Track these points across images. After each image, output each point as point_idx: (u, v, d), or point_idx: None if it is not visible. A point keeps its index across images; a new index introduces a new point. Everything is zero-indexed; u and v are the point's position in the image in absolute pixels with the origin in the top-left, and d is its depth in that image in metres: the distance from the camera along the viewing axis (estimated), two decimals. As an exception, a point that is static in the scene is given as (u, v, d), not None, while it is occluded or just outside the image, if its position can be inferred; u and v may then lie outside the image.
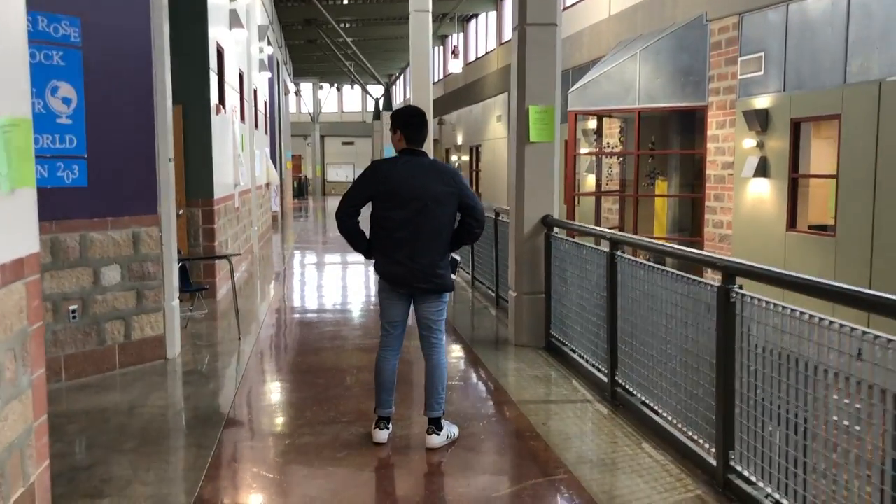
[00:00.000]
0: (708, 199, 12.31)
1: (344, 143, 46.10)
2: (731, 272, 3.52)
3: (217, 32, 9.31)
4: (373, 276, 12.01)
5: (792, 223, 10.48)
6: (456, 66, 21.70)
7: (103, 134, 5.49)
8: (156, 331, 5.99)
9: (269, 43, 17.68)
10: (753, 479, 3.41)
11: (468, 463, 4.03)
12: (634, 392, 4.69)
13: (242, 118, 12.04)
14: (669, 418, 4.20)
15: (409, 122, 4.19)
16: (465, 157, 27.29)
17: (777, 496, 3.31)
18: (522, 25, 6.21)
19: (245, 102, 12.46)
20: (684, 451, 3.98)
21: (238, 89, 11.58)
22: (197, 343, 6.62)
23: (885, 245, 8.77)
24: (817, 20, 9.86)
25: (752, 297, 3.37)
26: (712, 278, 4.01)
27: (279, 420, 4.69)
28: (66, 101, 5.40)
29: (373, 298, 9.79)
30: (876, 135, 8.87)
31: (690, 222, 13.57)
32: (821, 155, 10.56)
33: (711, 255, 3.69)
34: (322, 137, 43.87)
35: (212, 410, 4.92)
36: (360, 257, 14.09)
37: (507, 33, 23.01)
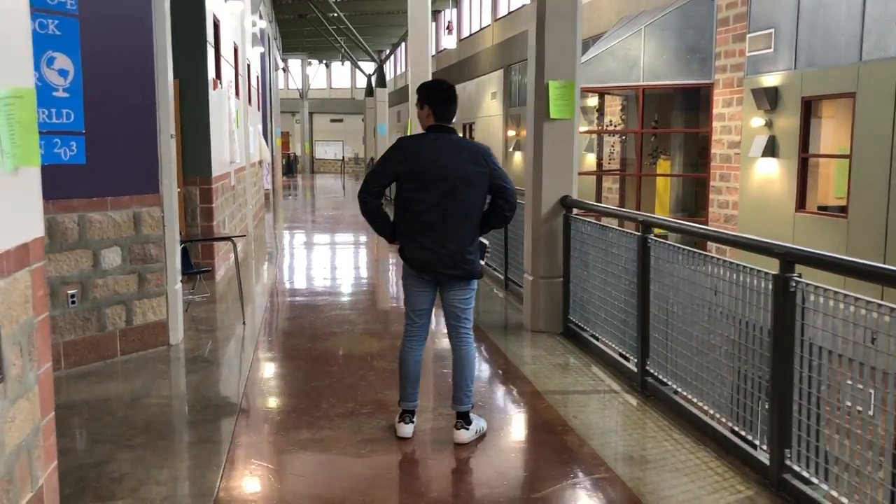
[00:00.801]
0: (713, 178, 12.10)
1: (333, 121, 45.54)
2: (790, 259, 3.29)
3: (213, 4, 8.94)
4: (375, 257, 11.79)
5: (801, 204, 10.30)
6: (450, 42, 21.29)
7: (102, 108, 5.17)
8: (158, 316, 5.72)
9: (260, 17, 17.24)
10: (815, 480, 3.20)
11: (501, 460, 3.81)
12: (667, 382, 4.48)
13: (237, 94, 11.68)
14: (711, 412, 3.99)
15: (438, 96, 3.92)
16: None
17: (836, 494, 3.11)
18: (542, -4, 5.92)
19: (239, 77, 12.09)
20: (729, 447, 3.77)
21: (233, 64, 11.21)
22: (200, 328, 6.35)
23: (899, 227, 8.60)
24: (832, -5, 9.60)
25: (815, 287, 3.14)
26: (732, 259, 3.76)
27: (295, 412, 4.44)
28: (63, 73, 5.07)
29: (377, 281, 9.54)
30: (893, 114, 8.66)
31: (694, 202, 13.37)
32: (831, 135, 10.36)
33: (767, 241, 3.46)
34: (311, 114, 43.32)
35: (222, 401, 4.67)
36: (356, 237, 13.86)
37: (502, 9, 22.62)
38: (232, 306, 7.25)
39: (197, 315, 6.75)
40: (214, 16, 9.04)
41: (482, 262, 4.01)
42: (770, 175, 10.74)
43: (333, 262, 11.08)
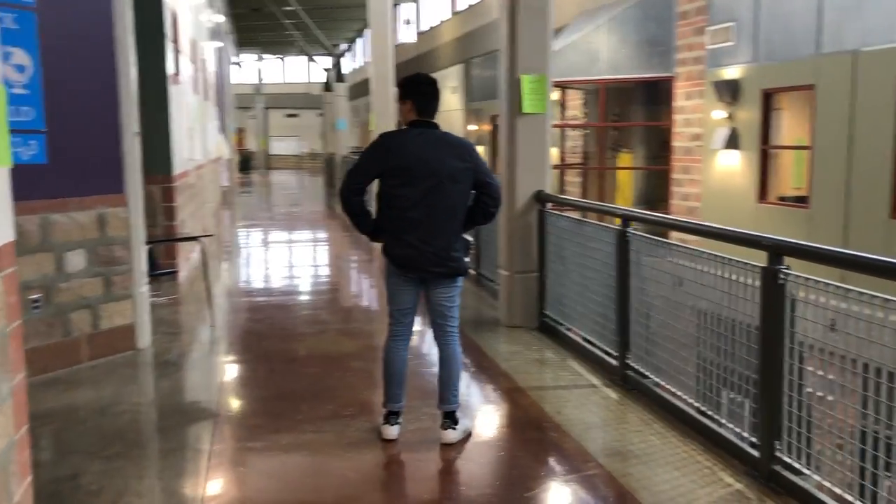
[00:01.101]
0: (675, 171, 12.21)
1: (288, 116, 45.05)
2: (779, 252, 3.29)
3: (171, -3, 8.72)
4: (336, 254, 11.66)
5: (763, 195, 10.44)
6: (409, 36, 21.16)
7: (62, 105, 4.97)
8: (125, 319, 5.54)
9: (215, 11, 16.94)
10: (806, 471, 3.21)
11: (490, 458, 3.77)
12: (649, 375, 4.48)
13: (195, 89, 11.43)
14: (697, 405, 3.99)
15: (422, 90, 3.84)
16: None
17: (828, 484, 3.13)
18: (513, -11, 5.87)
19: (197, 72, 11.83)
20: (716, 440, 3.78)
21: (191, 58, 10.97)
22: (167, 331, 6.18)
23: (859, 218, 8.77)
24: (791, -11, 9.73)
25: (805, 279, 3.15)
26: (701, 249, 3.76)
27: (274, 416, 4.32)
28: (20, 68, 4.86)
29: (343, 278, 9.43)
30: (851, 106, 8.82)
31: (655, 195, 13.49)
32: (791, 126, 10.52)
33: (755, 234, 3.46)
34: (266, 109, 42.75)
35: (197, 406, 4.55)
36: (317, 234, 13.70)
37: (461, 2, 22.55)
38: (198, 308, 7.08)
39: (163, 318, 6.56)
40: (173, 9, 8.81)
41: (467, 260, 3.94)
42: (732, 167, 10.87)
43: (297, 260, 10.93)
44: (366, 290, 8.56)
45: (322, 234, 13.91)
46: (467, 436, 3.95)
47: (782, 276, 3.26)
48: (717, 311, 3.75)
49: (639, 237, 4.51)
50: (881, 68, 8.38)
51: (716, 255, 3.73)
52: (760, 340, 3.38)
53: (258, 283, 8.68)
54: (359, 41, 33.44)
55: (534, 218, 6.01)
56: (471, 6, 21.59)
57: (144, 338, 5.69)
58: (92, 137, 5.26)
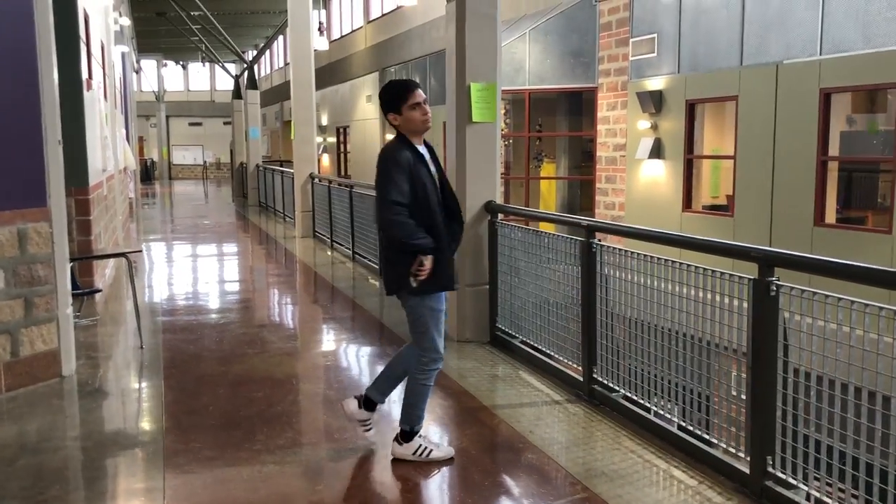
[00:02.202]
0: (599, 180, 12.36)
1: (191, 124, 43.66)
2: (770, 263, 3.23)
3: (83, -3, 8.17)
4: (253, 266, 11.24)
5: (687, 204, 10.66)
6: (321, 44, 20.77)
7: (-22, 111, 4.51)
8: (48, 344, 5.07)
9: (120, 14, 16.13)
10: (802, 486, 3.16)
11: (473, 484, 3.56)
12: (617, 389, 4.39)
13: (105, 95, 10.79)
14: (677, 421, 3.91)
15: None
16: (332, 139, 26.41)
17: (817, 494, 3.10)
18: (461, -4, 5.71)
19: (107, 78, 11.19)
20: (700, 456, 3.69)
21: (101, 63, 10.35)
22: (93, 355, 5.71)
23: (782, 225, 9.04)
24: (712, 2, 9.99)
25: (801, 291, 3.09)
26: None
27: (230, 446, 3.99)
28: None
29: (271, 293, 9.05)
30: (773, 116, 9.09)
31: (579, 204, 13.63)
32: (714, 136, 10.79)
33: (744, 246, 3.40)
34: (167, 118, 41.29)
35: (140, 439, 4.16)
36: (230, 247, 13.26)
37: (375, 11, 22.34)
38: (121, 329, 6.61)
39: (87, 341, 6.08)
40: (85, 10, 8.26)
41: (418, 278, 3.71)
42: (656, 176, 11.06)
43: (220, 275, 10.44)
44: (302, 307, 8.23)
45: (239, 248, 13.40)
46: (448, 460, 3.74)
47: (774, 287, 3.20)
48: (700, 325, 3.67)
49: (607, 248, 4.42)
50: (802, 80, 8.67)
51: (698, 267, 3.66)
52: (751, 353, 3.31)
53: (184, 301, 8.21)
54: (272, 48, 32.72)
55: (484, 229, 5.86)
56: (384, 15, 21.41)
57: (69, 364, 5.22)
58: (10, 147, 4.81)
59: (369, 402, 3.89)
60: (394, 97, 3.67)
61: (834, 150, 8.75)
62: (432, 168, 3.72)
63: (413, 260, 3.55)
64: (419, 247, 3.53)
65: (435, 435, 4.09)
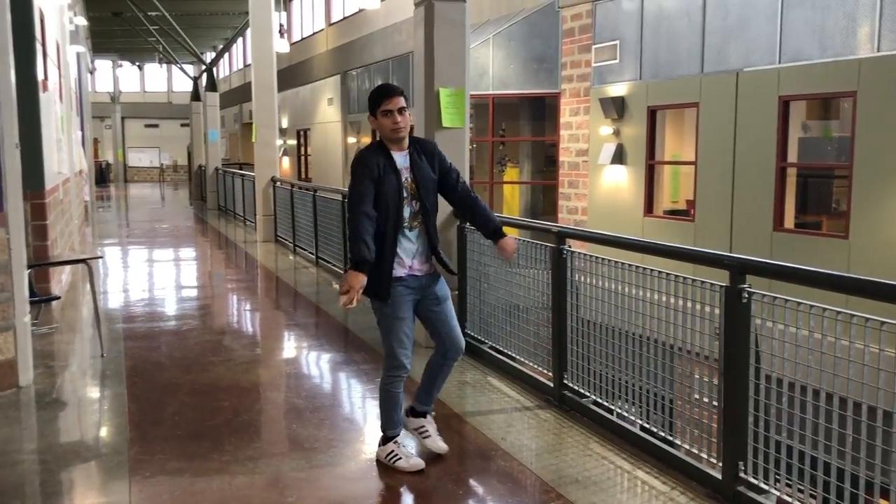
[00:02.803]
0: (562, 185, 12.44)
1: (147, 126, 42.96)
2: (741, 270, 3.27)
3: (39, -5, 7.96)
4: (211, 271, 11.08)
5: (649, 209, 10.78)
6: (282, 46, 20.59)
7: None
8: (5, 354, 4.92)
9: (75, 14, 15.81)
10: (774, 491, 3.19)
11: (447, 493, 3.53)
12: (588, 394, 4.40)
13: (60, 96, 10.54)
14: (642, 424, 3.93)
15: None
16: (292, 142, 26.19)
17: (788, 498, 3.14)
18: (429, 1, 5.69)
19: (62, 79, 10.93)
20: (672, 462, 3.72)
21: (57, 64, 10.10)
22: (51, 364, 5.56)
23: (742, 229, 9.19)
24: (673, 10, 10.13)
25: (774, 298, 3.13)
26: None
27: (198, 457, 3.91)
28: None
29: (237, 300, 8.92)
30: (734, 123, 9.24)
31: (542, 209, 13.69)
32: (674, 142, 10.93)
33: (716, 253, 3.44)
34: (123, 119, 40.56)
35: (104, 451, 4.06)
36: (188, 252, 13.10)
37: (336, 13, 22.22)
38: (79, 336, 6.45)
39: (44, 349, 5.91)
40: (40, 8, 8.06)
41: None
42: (618, 181, 11.17)
43: (180, 280, 10.26)
44: (266, 313, 8.12)
45: (199, 252, 13.20)
46: (415, 472, 3.71)
47: (745, 294, 3.23)
48: (671, 331, 3.70)
49: (578, 255, 4.43)
50: (762, 88, 8.83)
51: (670, 274, 3.69)
52: (723, 360, 3.34)
53: (144, 308, 8.03)
54: (233, 49, 32.37)
55: (453, 235, 5.84)
56: (346, 18, 21.31)
57: (27, 374, 5.07)
58: (-34, 149, 4.64)
59: (414, 410, 3.91)
60: (371, 100, 3.63)
61: (793, 156, 8.93)
62: (405, 177, 3.64)
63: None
64: (352, 259, 3.48)
65: (409, 442, 4.05)
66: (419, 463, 3.74)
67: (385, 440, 3.79)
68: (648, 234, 10.59)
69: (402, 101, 3.59)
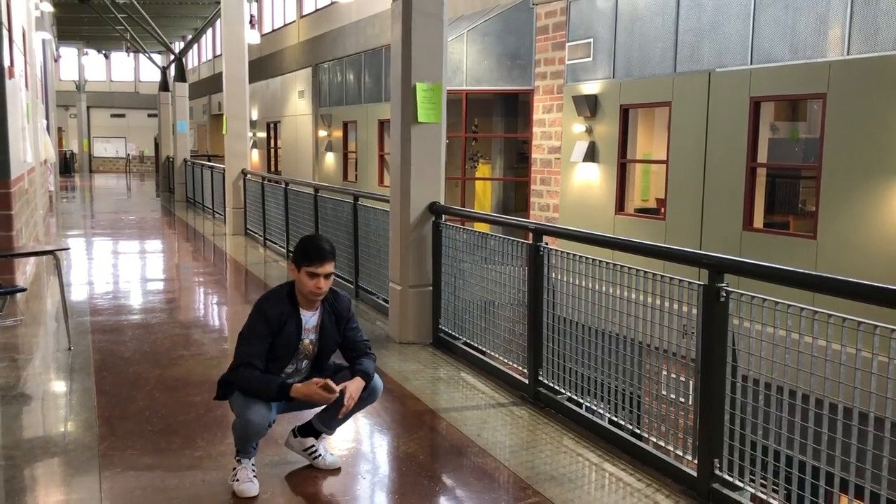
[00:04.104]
0: (534, 182, 12.46)
1: (113, 116, 42.28)
2: (719, 269, 3.29)
3: (6, -20, 7.77)
4: (179, 263, 10.95)
5: (621, 207, 10.85)
6: (253, 37, 20.37)
7: None
8: (-31, 347, 4.80)
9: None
10: (749, 489, 3.23)
11: (423, 490, 3.52)
12: (562, 391, 4.41)
13: (26, 84, 10.31)
14: (622, 423, 3.95)
15: None
16: (262, 134, 25.94)
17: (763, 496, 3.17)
18: (407, -6, 5.66)
19: (28, 66, 10.69)
20: (647, 459, 3.74)
21: (22, 51, 9.88)
22: (17, 358, 5.44)
23: (713, 228, 9.28)
24: (647, 9, 10.18)
25: (752, 297, 3.16)
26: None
27: (169, 453, 3.85)
28: None
29: (205, 293, 8.81)
30: (705, 123, 9.33)
31: (514, 205, 13.72)
32: (645, 141, 11.01)
33: (694, 252, 3.46)
34: (88, 108, 39.86)
35: (74, 447, 3.97)
36: (154, 244, 12.93)
37: (308, 5, 22.04)
38: (47, 329, 6.32)
39: (9, 342, 5.78)
40: (7, -6, 7.86)
41: None
42: (590, 179, 11.22)
43: (147, 273, 10.11)
44: (235, 307, 8.02)
45: (167, 245, 13.02)
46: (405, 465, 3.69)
47: (723, 293, 3.26)
48: (648, 329, 3.72)
49: (554, 252, 4.43)
50: (733, 88, 8.92)
51: (647, 272, 3.70)
52: (700, 358, 3.37)
53: (112, 301, 7.90)
54: (202, 40, 31.92)
55: (428, 230, 5.82)
56: (318, 10, 21.14)
57: (-9, 367, 4.96)
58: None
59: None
60: (300, 252, 3.36)
61: (763, 156, 9.03)
62: (307, 338, 3.42)
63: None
64: (277, 395, 3.31)
65: (383, 439, 4.03)
66: (254, 490, 3.40)
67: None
68: (620, 232, 10.65)
69: (330, 267, 3.35)
